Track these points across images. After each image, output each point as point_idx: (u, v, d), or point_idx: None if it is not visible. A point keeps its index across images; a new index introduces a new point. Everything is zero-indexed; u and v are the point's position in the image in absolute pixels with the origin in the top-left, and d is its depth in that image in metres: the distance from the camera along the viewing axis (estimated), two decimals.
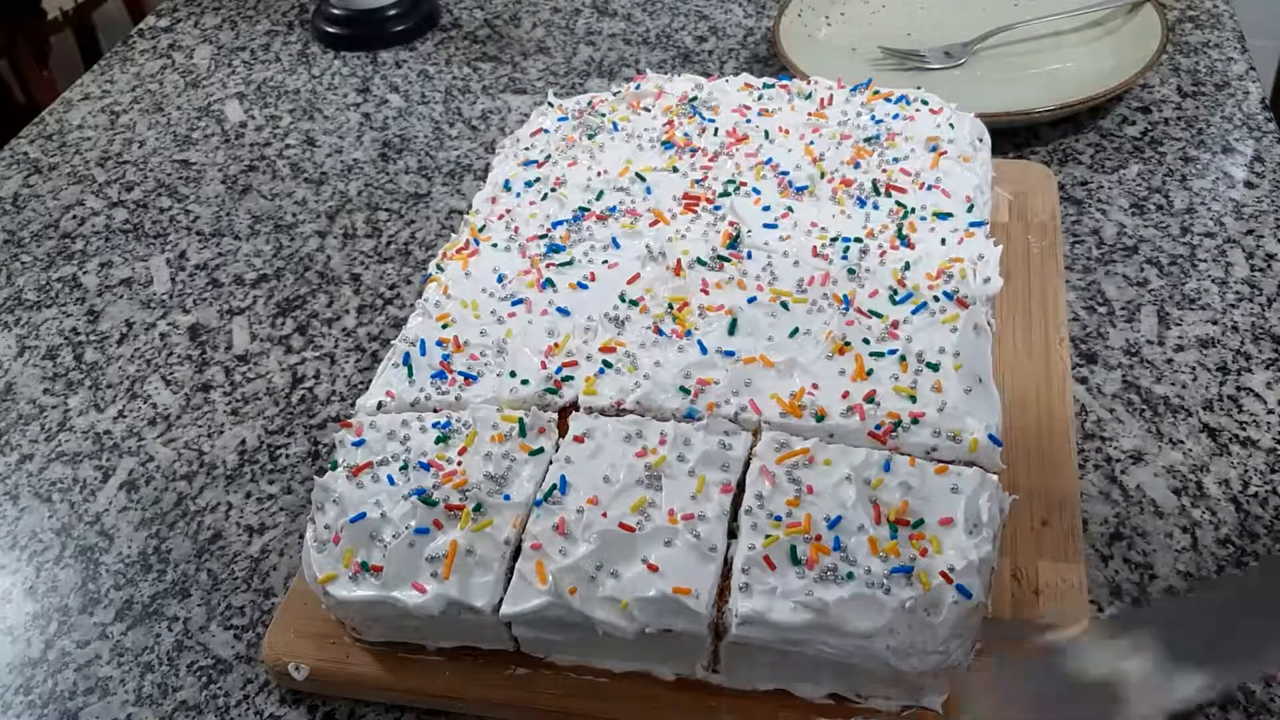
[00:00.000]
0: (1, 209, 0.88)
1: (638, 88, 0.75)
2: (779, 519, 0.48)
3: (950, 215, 0.62)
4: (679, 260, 0.61)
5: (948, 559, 0.46)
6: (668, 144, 0.70)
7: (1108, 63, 0.86)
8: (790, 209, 0.64)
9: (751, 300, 0.58)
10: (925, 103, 0.70)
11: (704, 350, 0.56)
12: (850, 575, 0.45)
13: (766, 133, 0.70)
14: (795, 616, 0.45)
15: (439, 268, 0.64)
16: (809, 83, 0.74)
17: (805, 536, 0.47)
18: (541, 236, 0.64)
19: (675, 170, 0.68)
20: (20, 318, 0.78)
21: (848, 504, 0.48)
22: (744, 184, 0.66)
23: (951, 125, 0.68)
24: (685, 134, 0.70)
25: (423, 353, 0.58)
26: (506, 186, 0.69)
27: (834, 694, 0.49)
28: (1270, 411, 0.62)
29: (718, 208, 0.64)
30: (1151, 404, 0.63)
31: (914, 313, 0.57)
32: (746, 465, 0.51)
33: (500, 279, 0.62)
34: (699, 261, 0.61)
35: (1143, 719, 0.41)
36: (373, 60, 1.01)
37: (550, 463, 0.52)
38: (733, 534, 0.49)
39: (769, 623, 0.45)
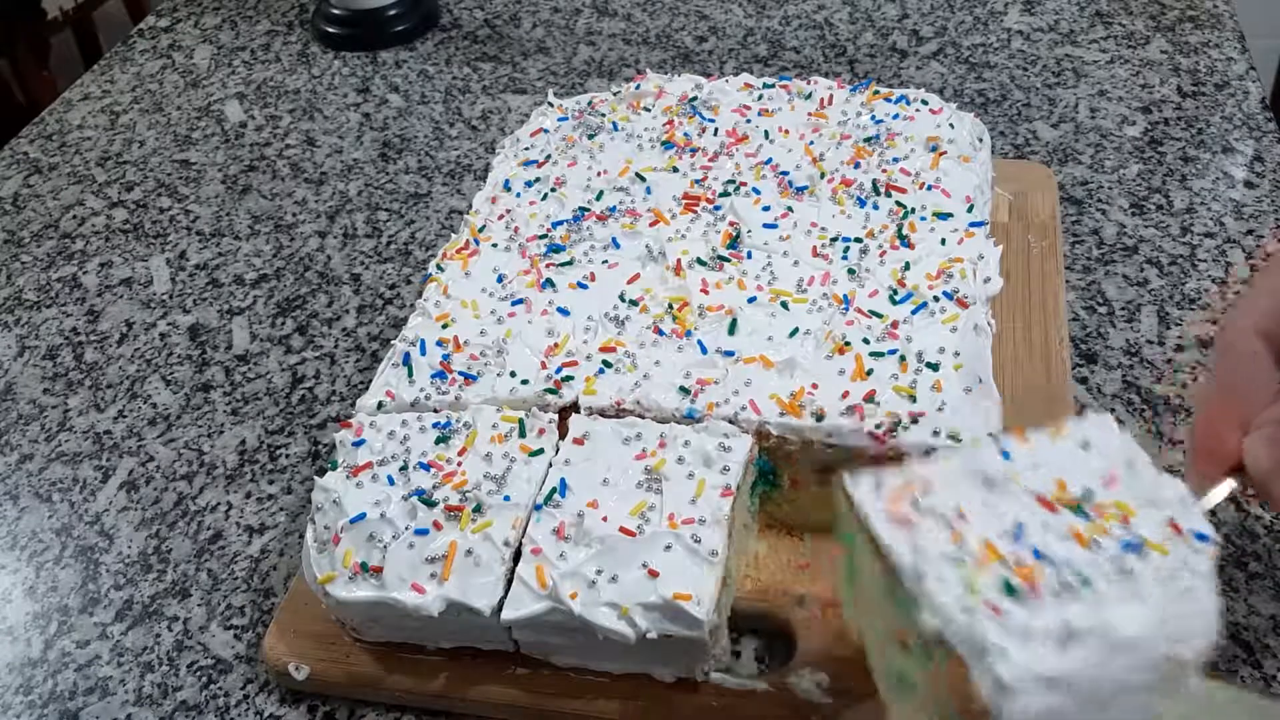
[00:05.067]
0: (1, 209, 0.88)
1: (638, 88, 0.75)
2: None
3: (950, 215, 0.62)
4: (679, 260, 0.61)
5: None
6: (668, 144, 0.70)
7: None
8: (790, 209, 0.64)
9: (751, 300, 0.58)
10: (925, 103, 0.70)
11: (704, 350, 0.56)
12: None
13: (766, 133, 0.70)
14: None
15: (439, 268, 0.64)
16: (809, 83, 0.74)
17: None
18: (541, 236, 0.64)
19: (675, 170, 0.67)
20: (20, 318, 0.78)
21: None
22: (744, 184, 0.66)
23: (951, 125, 0.68)
24: (685, 134, 0.70)
25: (423, 353, 0.58)
26: (506, 186, 0.69)
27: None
28: None
29: (718, 208, 0.64)
30: (1151, 404, 0.63)
31: (914, 313, 0.57)
32: (746, 468, 0.51)
33: (500, 279, 0.62)
34: (699, 261, 0.61)
35: None
36: (373, 60, 1.01)
37: (550, 464, 0.52)
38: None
39: None
